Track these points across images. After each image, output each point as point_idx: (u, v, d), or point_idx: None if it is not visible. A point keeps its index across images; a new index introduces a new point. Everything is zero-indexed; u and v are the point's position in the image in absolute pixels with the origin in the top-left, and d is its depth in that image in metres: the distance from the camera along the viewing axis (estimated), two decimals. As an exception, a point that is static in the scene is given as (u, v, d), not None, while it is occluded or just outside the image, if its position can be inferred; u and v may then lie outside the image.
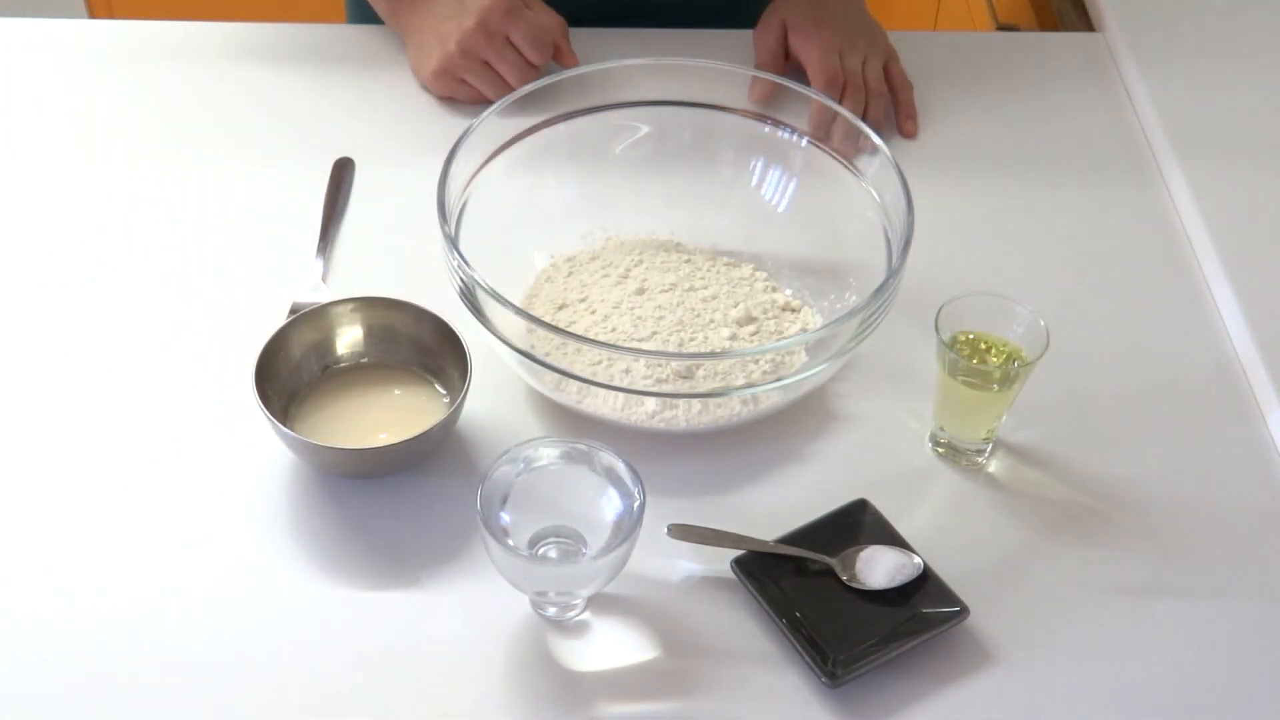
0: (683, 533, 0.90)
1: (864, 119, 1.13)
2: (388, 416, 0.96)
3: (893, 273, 0.94)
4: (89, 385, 1.00)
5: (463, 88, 1.20)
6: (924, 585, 0.88)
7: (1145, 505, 0.95)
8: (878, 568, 0.89)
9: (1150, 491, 0.96)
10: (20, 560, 0.90)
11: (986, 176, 1.19)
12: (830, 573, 0.89)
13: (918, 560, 0.89)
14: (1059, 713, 0.85)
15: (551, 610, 0.87)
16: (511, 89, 1.13)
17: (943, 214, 1.12)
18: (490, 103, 1.05)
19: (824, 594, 0.89)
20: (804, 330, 1.03)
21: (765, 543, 0.90)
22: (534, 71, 1.18)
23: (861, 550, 0.90)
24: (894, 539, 0.91)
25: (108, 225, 1.11)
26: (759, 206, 1.09)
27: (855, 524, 0.92)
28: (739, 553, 0.90)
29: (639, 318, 1.02)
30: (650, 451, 0.94)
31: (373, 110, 1.22)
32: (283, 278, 1.06)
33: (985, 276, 1.08)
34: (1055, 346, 0.93)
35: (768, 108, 1.08)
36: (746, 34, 1.26)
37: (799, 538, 0.91)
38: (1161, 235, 1.14)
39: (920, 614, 0.87)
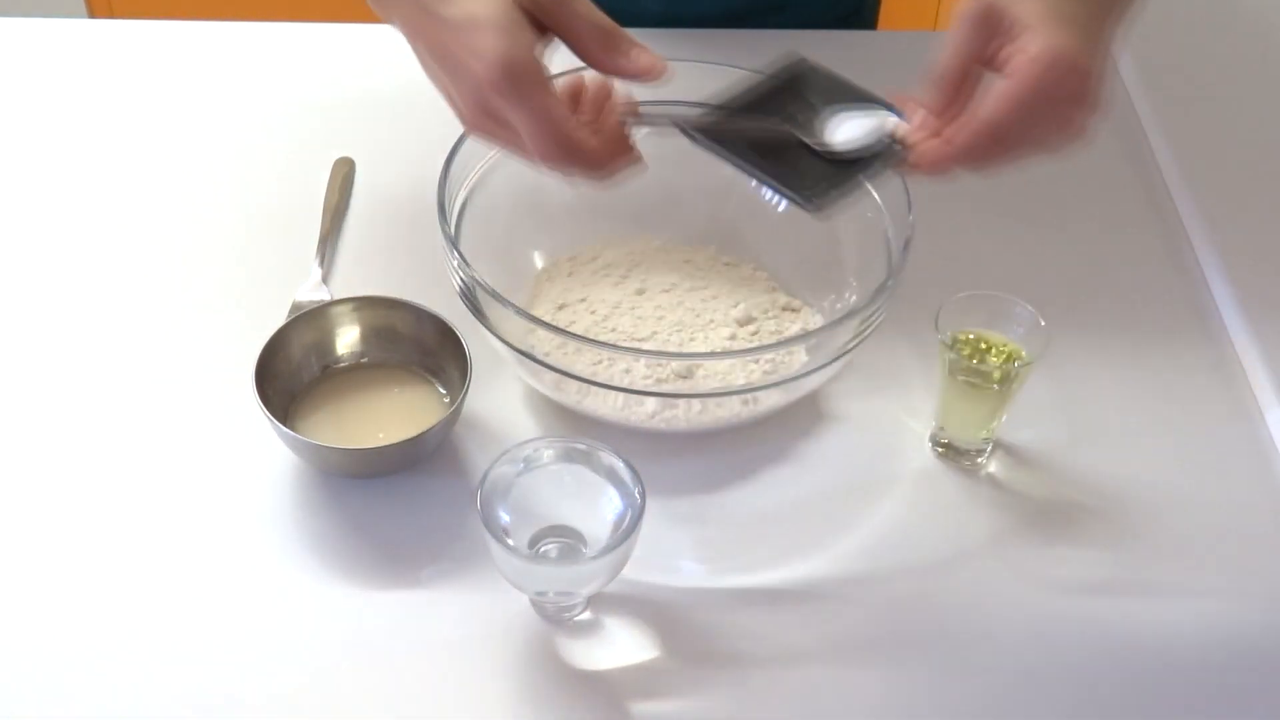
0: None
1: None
2: (388, 416, 0.96)
3: (893, 273, 0.94)
4: (88, 385, 1.00)
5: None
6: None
7: (1145, 505, 0.95)
8: (849, 130, 0.80)
9: (1150, 491, 0.96)
10: (19, 560, 0.90)
11: (986, 176, 1.19)
12: (798, 144, 0.80)
13: (892, 118, 0.80)
14: (1059, 713, 0.85)
15: (551, 610, 0.87)
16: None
17: (943, 214, 1.12)
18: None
19: (793, 155, 0.81)
20: (804, 330, 1.03)
21: (719, 110, 0.80)
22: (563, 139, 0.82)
23: (827, 114, 0.81)
24: (856, 95, 0.81)
25: (107, 225, 1.11)
26: (759, 206, 1.09)
27: (802, 87, 0.81)
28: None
29: (639, 318, 1.02)
30: (650, 451, 0.94)
31: (373, 110, 1.22)
32: (283, 278, 1.06)
33: (985, 276, 1.08)
34: (1055, 346, 0.93)
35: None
36: (746, 34, 1.26)
37: (747, 105, 0.81)
38: (1161, 234, 1.14)
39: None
